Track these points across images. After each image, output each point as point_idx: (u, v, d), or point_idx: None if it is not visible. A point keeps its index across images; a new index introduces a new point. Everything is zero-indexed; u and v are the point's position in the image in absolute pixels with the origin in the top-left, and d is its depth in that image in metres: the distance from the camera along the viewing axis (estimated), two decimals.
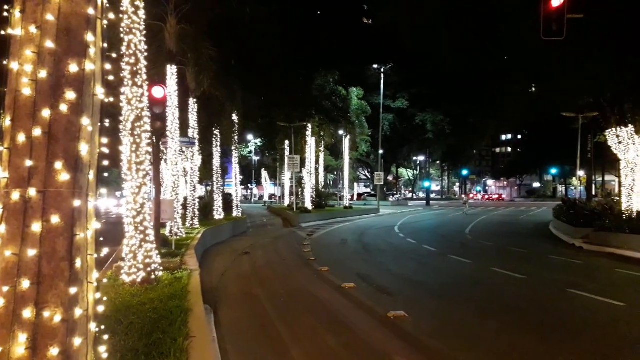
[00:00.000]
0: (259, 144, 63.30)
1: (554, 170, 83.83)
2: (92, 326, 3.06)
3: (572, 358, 7.11)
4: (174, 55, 18.06)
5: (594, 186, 57.40)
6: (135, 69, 9.66)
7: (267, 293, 11.46)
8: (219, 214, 27.20)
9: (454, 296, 11.49)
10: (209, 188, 40.23)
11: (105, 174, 3.32)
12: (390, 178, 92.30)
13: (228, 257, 17.28)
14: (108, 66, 3.28)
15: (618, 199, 25.30)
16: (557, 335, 8.16)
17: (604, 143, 26.18)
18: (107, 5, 3.20)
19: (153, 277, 9.60)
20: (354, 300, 10.52)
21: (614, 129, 22.84)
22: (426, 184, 78.28)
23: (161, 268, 10.16)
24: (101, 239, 3.23)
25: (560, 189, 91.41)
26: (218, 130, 27.63)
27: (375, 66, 61.32)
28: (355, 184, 79.89)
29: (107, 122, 3.26)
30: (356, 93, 55.41)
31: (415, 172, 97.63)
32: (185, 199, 22.69)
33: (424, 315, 9.44)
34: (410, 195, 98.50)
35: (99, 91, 3.05)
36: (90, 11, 2.85)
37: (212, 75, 20.57)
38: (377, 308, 9.72)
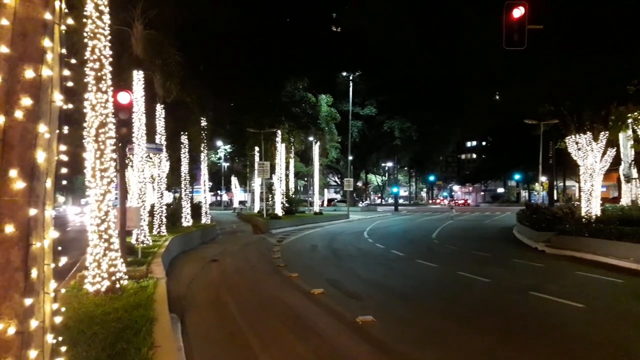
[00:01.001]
0: (228, 150, 62.78)
1: (517, 176, 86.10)
2: (49, 338, 2.98)
3: (536, 359, 7.30)
4: (140, 61, 17.80)
5: (555, 191, 59.09)
6: (99, 74, 9.48)
7: (235, 300, 11.37)
8: (187, 221, 26.84)
9: (421, 300, 11.65)
10: (177, 195, 39.64)
11: (64, 182, 3.25)
12: (359, 184, 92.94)
13: (196, 265, 17.06)
14: (67, 72, 3.22)
15: (578, 203, 26.11)
16: (520, 337, 8.37)
17: (564, 149, 27.02)
18: (66, 10, 3.15)
19: (118, 286, 9.41)
20: (323, 306, 10.55)
21: (573, 136, 23.59)
22: (394, 189, 79.22)
23: (126, 277, 9.97)
24: (59, 248, 3.16)
25: (524, 194, 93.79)
26: (186, 136, 27.31)
27: (344, 74, 61.85)
28: (325, 190, 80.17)
29: (65, 129, 3.20)
30: (325, 100, 55.68)
31: (383, 178, 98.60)
32: (153, 206, 22.31)
33: (392, 320, 9.54)
34: (379, 201, 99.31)
35: (57, 97, 3.00)
36: (47, 16, 2.80)
37: (180, 81, 20.36)
38: (345, 313, 9.77)
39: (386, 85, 70.10)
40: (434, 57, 59.49)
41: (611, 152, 24.68)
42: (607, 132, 23.17)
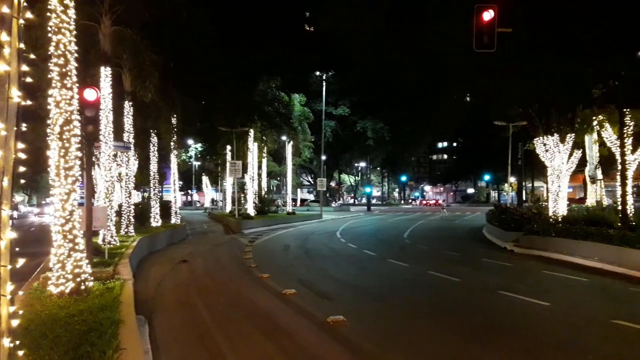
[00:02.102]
0: (199, 149, 62.08)
1: (487, 177, 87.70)
2: (6, 342, 2.87)
3: (503, 357, 7.42)
4: (108, 57, 17.42)
5: (524, 192, 60.47)
6: (64, 70, 9.20)
7: (205, 302, 11.22)
8: (156, 221, 26.40)
9: (391, 300, 11.72)
10: (145, 194, 38.97)
11: (22, 180, 3.12)
12: (333, 184, 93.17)
13: (165, 266, 16.79)
14: (26, 68, 3.10)
15: (546, 204, 26.71)
16: (488, 336, 8.50)
17: (532, 151, 27.62)
18: (25, 4, 3.03)
19: (83, 287, 9.17)
20: (294, 307, 10.51)
21: (541, 138, 24.14)
22: (367, 189, 79.78)
23: (92, 278, 9.72)
24: (17, 248, 3.04)
25: (493, 194, 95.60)
26: (155, 135, 26.85)
27: (317, 73, 61.98)
28: (299, 190, 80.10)
29: (24, 126, 3.08)
30: (298, 99, 55.67)
31: (357, 178, 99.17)
32: (120, 205, 21.86)
33: (363, 319, 9.57)
34: (352, 201, 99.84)
35: (15, 93, 2.88)
36: (5, 9, 2.69)
37: (158, 82, 19.96)
38: (317, 313, 9.76)
39: (359, 86, 70.50)
40: (406, 59, 60.15)
41: (577, 153, 25.37)
42: (574, 134, 23.78)
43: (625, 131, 19.75)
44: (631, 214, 20.75)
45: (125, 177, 22.36)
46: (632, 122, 21.11)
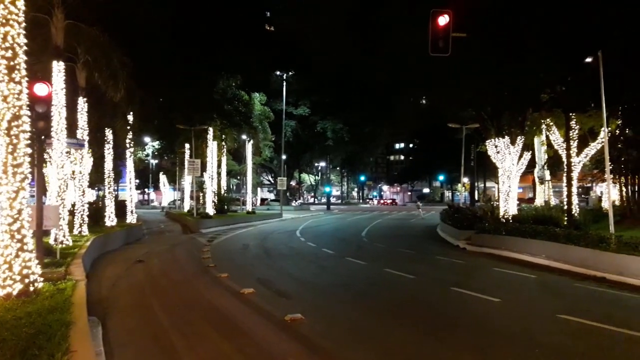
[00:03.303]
0: (156, 146, 60.73)
1: (441, 177, 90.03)
2: None
3: (455, 352, 7.66)
4: (61, 51, 16.87)
5: (476, 192, 62.37)
6: (12, 63, 8.88)
7: (161, 303, 11.05)
8: (111, 220, 25.72)
9: (349, 297, 11.89)
10: (100, 193, 37.84)
11: None
12: (293, 183, 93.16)
13: (120, 266, 16.41)
14: None
15: (497, 203, 27.66)
16: (442, 332, 8.74)
17: (485, 152, 28.54)
18: None
19: (32, 289, 8.88)
20: (252, 306, 10.50)
21: (493, 140, 24.99)
22: (327, 189, 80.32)
23: (42, 279, 9.43)
24: None
25: (447, 194, 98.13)
26: (111, 132, 26.14)
27: (277, 73, 61.85)
28: (259, 189, 79.69)
29: None
30: (259, 98, 55.33)
31: (317, 177, 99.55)
32: (74, 204, 21.20)
33: (321, 317, 9.65)
34: (312, 200, 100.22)
35: None
36: None
37: (126, 83, 19.43)
38: (275, 312, 9.78)
39: (319, 86, 70.92)
40: (365, 60, 60.96)
41: (527, 155, 26.44)
42: (524, 136, 24.76)
43: (571, 134, 20.72)
44: (576, 214, 21.82)
45: (79, 175, 21.69)
46: (578, 126, 22.22)
